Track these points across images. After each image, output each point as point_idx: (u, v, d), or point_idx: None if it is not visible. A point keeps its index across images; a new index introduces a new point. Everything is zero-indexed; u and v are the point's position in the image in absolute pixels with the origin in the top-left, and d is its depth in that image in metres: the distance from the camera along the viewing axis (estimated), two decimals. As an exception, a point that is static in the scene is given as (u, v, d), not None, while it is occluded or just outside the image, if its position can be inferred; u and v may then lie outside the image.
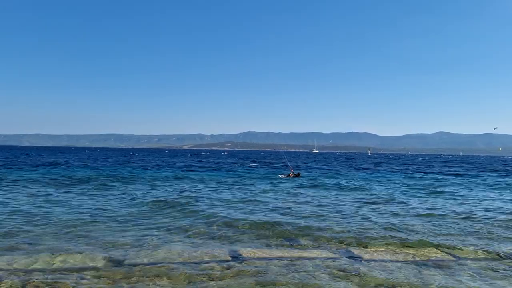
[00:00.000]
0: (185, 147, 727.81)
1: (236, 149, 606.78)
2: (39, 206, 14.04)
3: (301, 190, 21.90)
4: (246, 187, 22.96)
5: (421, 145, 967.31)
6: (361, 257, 8.26)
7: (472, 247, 9.13)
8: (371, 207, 15.53)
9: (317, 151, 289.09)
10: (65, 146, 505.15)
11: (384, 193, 20.77)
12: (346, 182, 27.77)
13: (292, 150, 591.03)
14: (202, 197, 17.72)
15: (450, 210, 15.06)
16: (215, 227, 11.13)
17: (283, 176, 31.89)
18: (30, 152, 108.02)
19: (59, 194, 17.79)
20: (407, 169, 50.54)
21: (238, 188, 22.28)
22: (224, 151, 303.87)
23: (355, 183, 26.58)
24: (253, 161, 69.29)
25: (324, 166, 54.10)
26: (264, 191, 20.90)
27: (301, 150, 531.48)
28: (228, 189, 21.94)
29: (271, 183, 26.55)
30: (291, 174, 31.74)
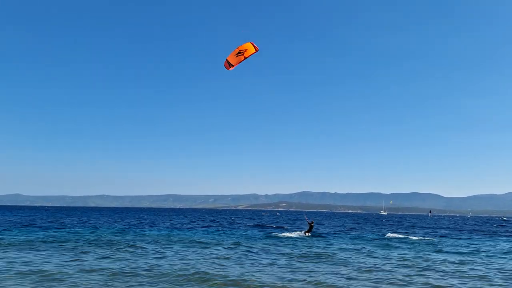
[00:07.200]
0: (240, 207, 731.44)
1: (290, 209, 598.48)
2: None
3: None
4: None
5: (491, 206, 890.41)
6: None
7: None
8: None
9: (386, 213, 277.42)
10: (128, 207, 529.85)
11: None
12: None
13: (350, 211, 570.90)
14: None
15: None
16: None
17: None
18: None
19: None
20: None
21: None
22: (277, 211, 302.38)
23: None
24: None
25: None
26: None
27: (358, 212, 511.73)
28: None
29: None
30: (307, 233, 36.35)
